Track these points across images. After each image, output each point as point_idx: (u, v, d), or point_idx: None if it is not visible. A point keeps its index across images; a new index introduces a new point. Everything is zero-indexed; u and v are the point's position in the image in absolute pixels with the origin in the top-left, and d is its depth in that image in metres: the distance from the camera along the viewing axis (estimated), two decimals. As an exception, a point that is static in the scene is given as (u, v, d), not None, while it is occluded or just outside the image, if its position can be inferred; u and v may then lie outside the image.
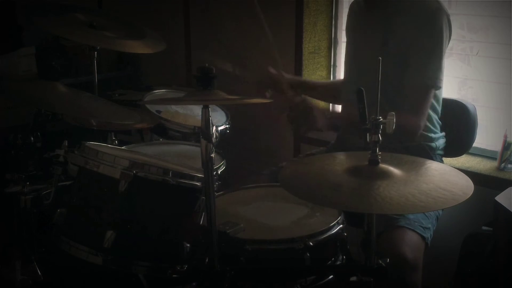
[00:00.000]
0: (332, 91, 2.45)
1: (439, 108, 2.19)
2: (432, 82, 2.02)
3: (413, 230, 1.87)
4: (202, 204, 1.69)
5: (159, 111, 2.47)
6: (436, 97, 2.14)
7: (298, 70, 2.96)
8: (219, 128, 2.41)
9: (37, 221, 1.90)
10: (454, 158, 2.42)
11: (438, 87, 2.05)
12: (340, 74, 3.00)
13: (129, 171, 1.63)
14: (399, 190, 1.37)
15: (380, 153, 1.45)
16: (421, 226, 1.90)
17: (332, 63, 3.06)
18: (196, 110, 2.45)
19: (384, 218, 1.82)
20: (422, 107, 2.02)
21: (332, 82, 2.96)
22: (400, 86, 2.04)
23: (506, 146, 2.44)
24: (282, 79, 2.19)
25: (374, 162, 1.45)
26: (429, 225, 1.95)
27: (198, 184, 1.68)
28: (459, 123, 2.29)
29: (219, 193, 1.86)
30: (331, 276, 1.61)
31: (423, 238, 1.89)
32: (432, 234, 1.96)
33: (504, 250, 1.87)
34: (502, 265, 1.87)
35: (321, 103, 2.26)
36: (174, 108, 2.53)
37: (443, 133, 2.22)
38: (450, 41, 2.11)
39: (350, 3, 2.40)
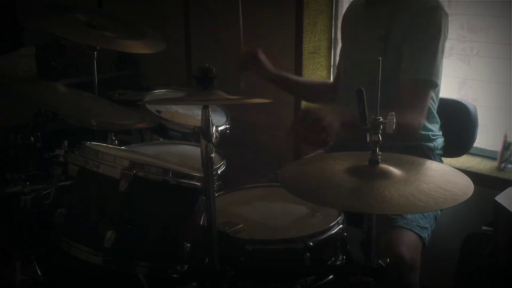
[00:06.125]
0: (314, 91, 2.46)
1: (436, 107, 2.18)
2: (427, 76, 1.96)
3: (411, 230, 1.87)
4: (202, 204, 1.69)
5: (159, 111, 2.47)
6: (432, 97, 2.14)
7: (298, 70, 2.95)
8: (219, 128, 2.41)
9: (37, 221, 1.90)
10: (454, 158, 2.42)
11: (435, 84, 1.99)
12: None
13: (129, 171, 1.63)
14: (399, 190, 1.37)
15: (380, 153, 1.45)
16: (419, 226, 1.90)
17: (332, 63, 3.06)
18: (196, 110, 2.45)
19: (382, 218, 1.82)
20: (418, 102, 1.96)
21: (316, 81, 2.89)
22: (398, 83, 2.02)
23: (506, 146, 2.44)
24: (262, 64, 2.28)
25: (374, 162, 1.45)
26: (427, 225, 1.95)
27: (198, 184, 1.68)
28: (459, 123, 2.29)
29: (219, 193, 1.86)
30: (331, 276, 1.61)
31: (420, 237, 1.89)
32: (430, 234, 1.96)
33: (504, 250, 1.87)
34: (502, 265, 1.87)
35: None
36: (174, 108, 2.53)
37: (441, 133, 2.21)
38: (450, 41, 2.10)
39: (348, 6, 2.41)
